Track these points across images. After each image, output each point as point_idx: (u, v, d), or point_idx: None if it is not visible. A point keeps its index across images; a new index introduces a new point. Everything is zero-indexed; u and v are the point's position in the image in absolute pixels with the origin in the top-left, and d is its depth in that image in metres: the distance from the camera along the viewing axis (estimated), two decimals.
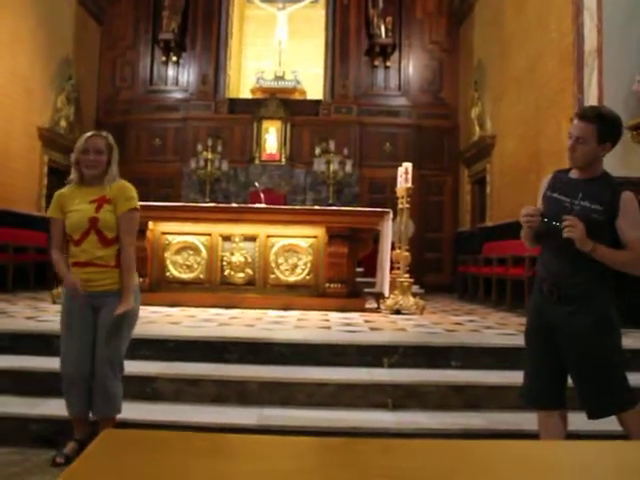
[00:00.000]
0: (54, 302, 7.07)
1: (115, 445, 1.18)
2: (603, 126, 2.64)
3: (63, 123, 12.00)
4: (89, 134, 3.38)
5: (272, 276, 7.32)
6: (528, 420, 3.88)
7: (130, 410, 3.55)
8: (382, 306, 7.25)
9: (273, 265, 7.31)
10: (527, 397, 2.83)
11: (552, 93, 8.19)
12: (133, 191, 3.36)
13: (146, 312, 6.31)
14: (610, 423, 2.71)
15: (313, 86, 14.02)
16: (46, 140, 11.18)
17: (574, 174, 2.76)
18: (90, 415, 3.33)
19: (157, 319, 5.86)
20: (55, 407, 3.84)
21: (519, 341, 4.97)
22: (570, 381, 2.76)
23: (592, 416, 2.66)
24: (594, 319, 2.60)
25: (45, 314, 6.03)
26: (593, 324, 2.60)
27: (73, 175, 3.35)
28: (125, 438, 1.26)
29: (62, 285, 3.35)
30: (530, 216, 2.70)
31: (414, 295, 7.24)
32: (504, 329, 5.75)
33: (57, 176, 11.60)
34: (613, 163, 6.21)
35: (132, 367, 4.30)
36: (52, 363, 4.35)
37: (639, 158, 6.25)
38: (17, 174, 10.18)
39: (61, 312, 3.37)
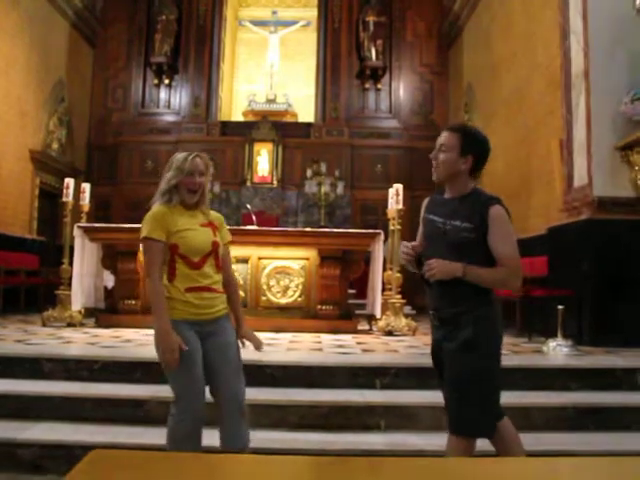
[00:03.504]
0: (44, 325, 7.04)
1: (103, 465, 1.18)
2: (466, 138, 2.68)
3: (55, 145, 12.03)
4: (191, 155, 3.06)
5: (264, 298, 7.30)
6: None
7: (121, 434, 3.52)
8: (374, 327, 7.24)
9: (265, 287, 7.30)
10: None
11: (541, 115, 8.28)
12: None
13: (139, 335, 6.29)
14: None
15: (304, 109, 14.13)
16: (38, 162, 11.19)
17: (447, 194, 2.78)
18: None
19: (149, 342, 5.82)
20: (44, 432, 3.82)
21: (510, 361, 5.00)
22: None
23: (451, 432, 2.67)
24: (464, 339, 2.59)
25: (35, 337, 5.99)
26: (461, 344, 2.60)
27: (166, 197, 3.00)
28: (113, 458, 1.25)
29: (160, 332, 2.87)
30: (406, 254, 2.76)
31: (406, 316, 7.23)
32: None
33: (48, 199, 11.61)
34: (603, 184, 6.30)
35: (123, 390, 4.28)
36: (41, 387, 4.34)
37: (627, 178, 6.30)
38: (8, 196, 10.17)
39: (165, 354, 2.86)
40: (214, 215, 3.15)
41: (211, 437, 2.98)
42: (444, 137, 2.71)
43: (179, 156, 3.06)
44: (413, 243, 2.81)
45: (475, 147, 2.69)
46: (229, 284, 3.13)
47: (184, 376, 2.89)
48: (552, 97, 7.74)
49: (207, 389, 3.00)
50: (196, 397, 2.89)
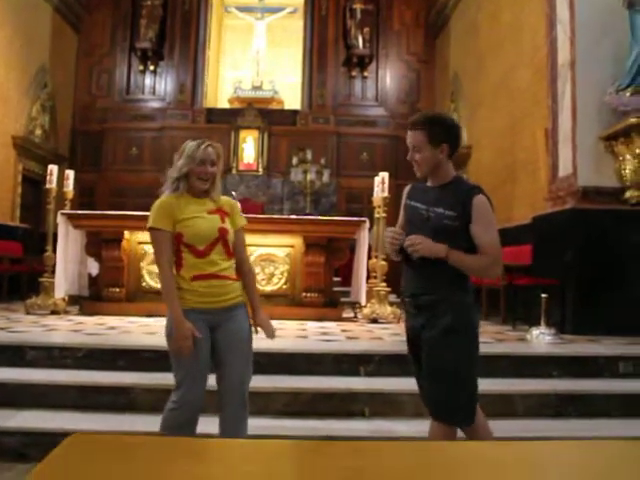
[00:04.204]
0: (28, 313, 6.99)
1: (83, 448, 1.17)
2: (432, 129, 2.66)
3: (38, 131, 11.90)
4: (204, 144, 3.00)
5: None
6: (501, 427, 3.92)
7: (107, 421, 3.51)
8: (359, 315, 7.27)
9: None
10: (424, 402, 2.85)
11: (527, 104, 8.31)
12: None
13: (123, 322, 6.27)
14: None
15: (291, 96, 14.06)
16: (20, 149, 11.07)
17: (429, 182, 2.79)
18: None
19: (133, 329, 5.81)
20: (28, 419, 3.80)
21: (493, 349, 5.04)
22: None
23: (434, 418, 2.69)
24: (449, 322, 2.61)
25: (18, 325, 5.95)
26: (442, 331, 2.61)
27: (174, 185, 2.98)
28: (94, 441, 1.24)
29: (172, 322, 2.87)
30: (393, 239, 2.73)
31: (391, 304, 7.26)
32: (480, 337, 5.79)
33: (32, 185, 11.50)
34: (587, 173, 6.34)
35: (109, 378, 4.27)
36: (25, 374, 4.32)
37: (611, 168, 6.34)
38: None
39: (176, 342, 2.86)
40: (225, 201, 3.09)
41: (212, 424, 2.97)
42: (412, 137, 2.70)
43: (191, 144, 3.01)
44: (398, 229, 2.82)
45: (445, 134, 2.68)
46: (243, 270, 3.06)
47: (187, 365, 2.88)
48: (538, 87, 7.76)
49: (213, 377, 3.00)
50: (196, 386, 2.89)
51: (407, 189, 2.92)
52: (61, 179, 7.89)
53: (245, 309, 3.06)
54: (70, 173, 7.91)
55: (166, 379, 4.26)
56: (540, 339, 5.62)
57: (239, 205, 3.17)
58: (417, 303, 2.71)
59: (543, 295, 5.83)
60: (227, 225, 2.98)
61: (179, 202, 2.94)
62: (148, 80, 13.98)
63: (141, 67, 13.90)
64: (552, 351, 5.11)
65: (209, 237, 2.91)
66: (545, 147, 7.40)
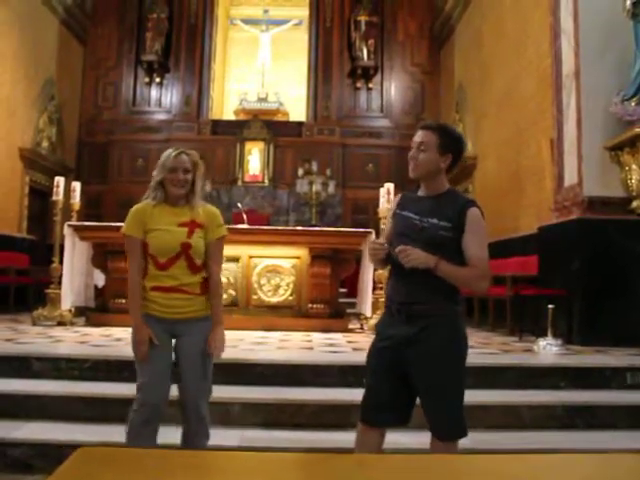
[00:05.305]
0: (34, 324, 7.01)
1: (90, 462, 1.17)
2: (444, 136, 2.67)
3: (45, 143, 11.98)
4: (175, 152, 3.03)
5: (255, 297, 7.29)
6: (508, 438, 3.90)
7: (113, 432, 3.51)
8: (365, 326, 7.25)
9: (256, 286, 7.29)
10: (364, 414, 2.75)
11: (532, 114, 8.31)
12: (221, 217, 3.16)
13: (128, 333, 6.24)
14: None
15: (296, 108, 14.13)
16: (27, 161, 11.14)
17: (422, 192, 2.77)
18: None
19: None
20: (35, 431, 3.80)
21: (500, 360, 5.02)
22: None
23: (441, 438, 2.62)
24: (446, 332, 2.58)
25: (25, 336, 5.96)
26: (446, 337, 2.58)
27: (153, 194, 3.02)
28: (101, 455, 1.24)
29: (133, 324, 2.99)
30: (375, 250, 2.70)
31: None
32: (486, 348, 5.78)
33: (38, 197, 11.55)
34: (593, 183, 6.33)
35: (114, 389, 4.27)
36: (31, 386, 4.32)
37: (617, 178, 6.33)
38: None
39: (136, 344, 2.99)
40: (207, 211, 3.08)
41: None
42: (422, 135, 2.68)
43: (165, 153, 3.05)
44: (379, 240, 2.80)
45: (454, 146, 2.68)
46: (210, 284, 3.05)
47: (146, 369, 2.96)
48: (543, 97, 7.77)
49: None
50: (154, 390, 2.94)
51: (397, 198, 2.89)
52: (68, 191, 7.92)
53: (208, 323, 3.05)
54: (77, 185, 7.93)
55: (172, 391, 4.26)
56: (547, 350, 5.60)
57: (219, 216, 3.14)
58: (408, 312, 2.63)
59: (550, 306, 5.81)
60: (193, 240, 2.97)
61: (153, 211, 2.99)
62: (154, 92, 14.07)
63: (147, 79, 13.99)
64: (559, 362, 5.08)
65: (170, 251, 2.94)
66: (550, 157, 7.40)
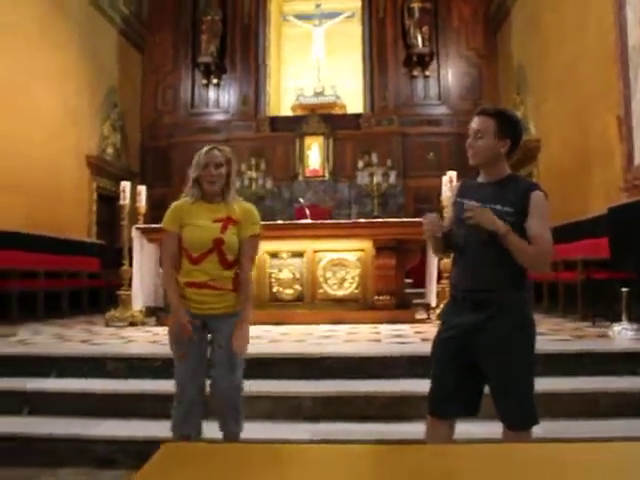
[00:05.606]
0: (107, 325, 7.22)
1: (176, 458, 1.20)
2: (502, 121, 2.60)
3: (110, 150, 12.32)
4: (206, 148, 3.10)
5: (320, 291, 7.32)
6: (584, 427, 3.79)
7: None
8: (432, 316, 7.18)
9: (321, 280, 7.31)
10: (431, 405, 2.70)
11: (595, 92, 8.04)
12: (257, 215, 3.17)
13: None
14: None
15: (353, 100, 14.08)
16: (94, 168, 11.49)
17: (482, 178, 2.69)
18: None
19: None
20: (114, 427, 3.93)
21: (575, 346, 4.89)
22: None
23: (517, 428, 2.55)
24: (515, 319, 2.53)
25: (99, 337, 6.15)
26: (515, 324, 2.52)
27: (190, 192, 3.11)
28: (185, 451, 1.28)
29: (169, 314, 3.12)
30: (430, 224, 2.66)
31: None
32: (558, 335, 5.64)
33: (106, 202, 11.90)
34: None
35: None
36: (107, 385, 4.46)
37: None
38: (68, 202, 10.48)
39: (170, 334, 3.09)
40: (242, 208, 3.12)
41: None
42: (479, 122, 2.63)
43: (199, 152, 3.13)
44: (434, 214, 2.75)
45: (511, 130, 2.63)
46: (240, 280, 3.08)
47: (179, 364, 3.08)
48: (607, 72, 7.50)
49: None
50: (187, 387, 3.04)
51: (457, 186, 2.86)
52: (133, 195, 8.11)
53: (233, 321, 3.07)
54: (142, 189, 8.11)
55: None
56: (622, 335, 5.43)
57: (255, 213, 3.16)
58: (475, 299, 2.58)
59: (623, 289, 5.63)
60: (226, 236, 3.02)
61: (191, 207, 3.08)
62: (212, 93, 14.28)
63: (204, 81, 14.21)
64: (635, 347, 4.91)
65: (203, 246, 3.01)
66: (618, 134, 7.14)
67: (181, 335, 2.98)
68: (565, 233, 8.29)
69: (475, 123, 2.65)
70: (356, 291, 7.29)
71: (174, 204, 3.15)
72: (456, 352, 2.61)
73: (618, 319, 5.61)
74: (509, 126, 2.63)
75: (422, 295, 7.73)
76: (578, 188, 8.56)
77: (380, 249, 7.09)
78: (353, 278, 7.28)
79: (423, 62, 13.77)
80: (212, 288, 3.02)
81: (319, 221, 7.92)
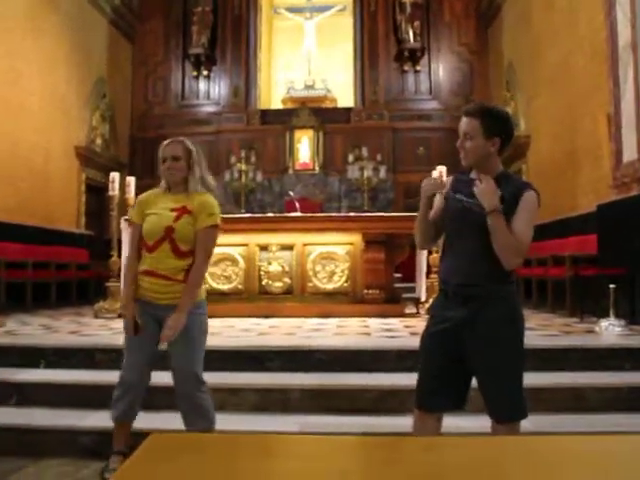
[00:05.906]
0: (96, 317, 7.19)
1: (163, 448, 1.20)
2: (487, 120, 2.59)
3: (99, 141, 12.24)
4: (166, 142, 3.19)
5: (310, 284, 7.32)
6: (572, 421, 3.82)
7: (174, 420, 3.57)
8: (421, 311, 7.21)
9: (311, 273, 7.31)
10: (419, 399, 2.70)
11: (586, 90, 8.07)
12: (216, 207, 3.16)
13: None
14: None
15: (343, 93, 14.07)
16: (83, 158, 11.42)
17: (474, 174, 2.69)
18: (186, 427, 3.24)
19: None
20: (102, 419, 3.90)
21: (563, 342, 4.92)
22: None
23: (505, 420, 2.56)
24: (505, 313, 2.55)
25: (88, 329, 6.13)
26: (505, 318, 2.54)
27: (160, 184, 3.23)
28: (172, 441, 1.27)
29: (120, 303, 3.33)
30: (429, 184, 2.71)
31: None
32: (547, 330, 5.68)
33: (94, 193, 11.84)
34: None
35: (170, 378, 4.34)
36: (96, 376, 4.44)
37: None
38: (57, 193, 10.42)
39: (124, 322, 3.20)
40: (200, 199, 3.13)
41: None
42: (466, 123, 2.62)
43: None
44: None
45: (499, 127, 2.62)
46: (191, 269, 3.08)
47: (125, 350, 3.26)
48: (597, 71, 7.53)
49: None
50: (128, 371, 3.20)
51: (450, 180, 2.86)
52: (122, 186, 8.07)
53: (191, 310, 3.11)
54: (131, 180, 8.06)
55: (228, 379, 4.32)
56: (610, 331, 5.46)
57: (213, 205, 3.16)
58: (465, 293, 2.58)
59: (611, 285, 5.67)
60: (178, 224, 3.06)
61: (156, 199, 3.19)
62: (202, 85, 14.22)
63: (195, 73, 14.14)
64: (623, 343, 4.96)
65: (155, 233, 3.07)
66: (608, 132, 7.18)
67: (127, 330, 3.15)
68: (554, 229, 8.34)
69: (463, 124, 2.64)
70: (345, 285, 7.30)
71: (139, 197, 3.29)
72: (444, 346, 2.61)
73: (606, 315, 5.64)
74: (497, 124, 2.62)
75: (411, 290, 7.75)
76: (567, 185, 8.60)
77: (369, 243, 7.11)
78: (342, 272, 7.29)
79: (414, 57, 13.77)
80: (162, 277, 3.07)
81: (309, 214, 7.93)
